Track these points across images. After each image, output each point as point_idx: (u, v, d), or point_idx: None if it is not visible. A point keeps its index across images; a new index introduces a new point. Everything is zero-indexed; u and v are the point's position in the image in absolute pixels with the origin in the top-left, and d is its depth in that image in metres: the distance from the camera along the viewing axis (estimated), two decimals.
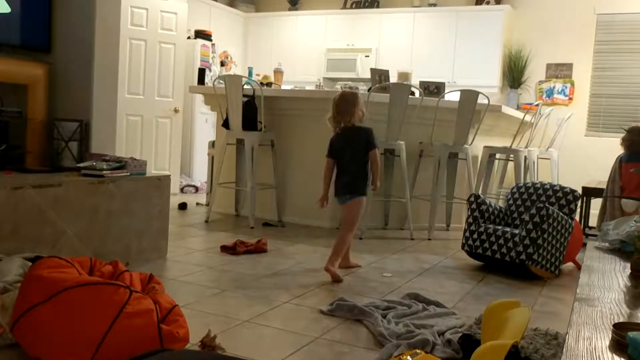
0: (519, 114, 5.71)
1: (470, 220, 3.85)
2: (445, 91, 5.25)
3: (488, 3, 7.51)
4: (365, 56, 7.96)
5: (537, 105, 5.66)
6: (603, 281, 1.76)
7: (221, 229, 4.69)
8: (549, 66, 7.32)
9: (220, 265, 3.50)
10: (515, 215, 3.94)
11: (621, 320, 1.38)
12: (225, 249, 3.88)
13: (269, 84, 6.01)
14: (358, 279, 3.37)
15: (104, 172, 3.20)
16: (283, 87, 6.51)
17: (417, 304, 2.83)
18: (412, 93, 4.96)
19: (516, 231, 3.59)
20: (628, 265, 1.94)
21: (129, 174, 3.36)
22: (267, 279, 3.24)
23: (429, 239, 4.74)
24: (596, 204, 5.09)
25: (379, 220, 5.19)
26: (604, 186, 4.93)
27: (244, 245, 3.92)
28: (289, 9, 8.72)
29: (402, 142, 4.73)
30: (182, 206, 5.62)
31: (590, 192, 5.10)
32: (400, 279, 3.41)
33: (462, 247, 3.89)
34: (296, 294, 2.98)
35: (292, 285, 3.14)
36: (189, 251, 3.85)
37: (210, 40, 7.52)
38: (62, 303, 1.93)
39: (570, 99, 7.18)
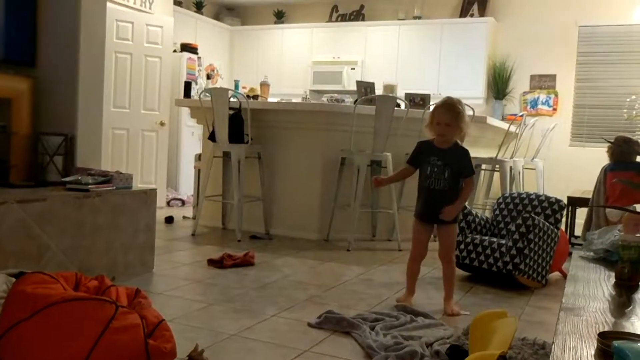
0: (504, 125, 5.76)
1: (457, 230, 3.86)
2: (431, 103, 5.28)
3: (472, 15, 7.59)
4: (351, 68, 8.01)
5: (522, 115, 5.72)
6: (588, 290, 1.78)
7: (208, 243, 4.66)
8: (532, 77, 7.40)
9: (207, 279, 3.48)
10: (502, 225, 3.96)
11: (606, 329, 1.39)
12: (212, 262, 3.86)
13: (255, 97, 6.02)
14: (346, 292, 3.37)
15: (90, 186, 3.18)
16: (269, 99, 6.52)
17: (405, 315, 2.83)
18: (398, 105, 4.99)
19: (503, 241, 3.61)
20: (612, 274, 1.96)
21: (114, 188, 3.34)
22: (255, 292, 3.22)
23: None
24: (581, 213, 5.13)
25: (366, 232, 5.19)
26: (588, 196, 4.98)
27: (231, 258, 3.90)
28: (275, 22, 8.76)
29: (388, 154, 4.75)
30: (169, 220, 5.59)
31: (575, 202, 5.14)
32: (388, 291, 3.41)
33: None
34: (284, 307, 2.97)
35: (279, 298, 3.13)
36: (175, 265, 3.82)
37: (197, 53, 7.52)
38: (47, 319, 1.91)
39: (554, 109, 7.27)
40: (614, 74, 6.99)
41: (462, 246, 3.78)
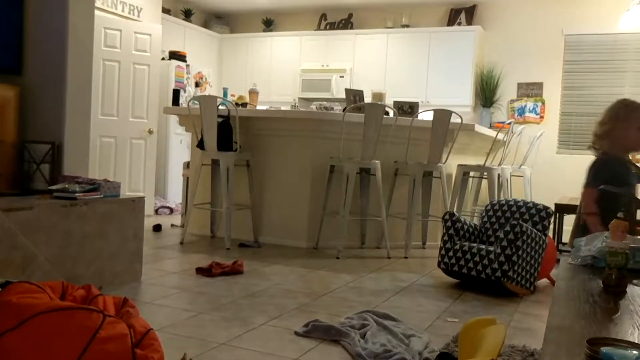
0: (492, 133, 5.80)
1: (446, 238, 3.88)
2: (419, 110, 5.31)
3: (460, 24, 7.65)
4: (340, 76, 8.03)
5: (509, 123, 5.75)
6: (576, 297, 1.78)
7: (196, 251, 4.64)
8: (520, 85, 7.47)
9: (195, 288, 3.46)
10: (490, 232, 3.98)
11: (594, 335, 1.40)
12: (200, 270, 3.84)
13: (244, 105, 6.01)
14: (336, 300, 3.36)
15: (77, 194, 3.15)
16: (258, 107, 6.52)
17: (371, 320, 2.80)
18: (387, 113, 5.01)
19: (491, 248, 3.62)
20: (600, 280, 1.97)
21: (102, 196, 3.32)
22: (244, 301, 3.21)
23: (406, 257, 4.76)
24: (569, 220, 5.16)
25: (355, 239, 5.19)
26: (575, 203, 5.00)
27: (220, 266, 3.88)
28: (264, 30, 8.78)
29: (377, 162, 4.76)
30: (157, 228, 5.56)
31: (562, 209, 5.18)
32: (377, 298, 3.40)
33: (438, 265, 3.91)
34: (273, 315, 2.96)
35: (269, 306, 3.12)
36: (164, 274, 3.80)
37: (185, 61, 7.51)
38: (33, 329, 1.89)
39: (542, 117, 7.33)
40: (600, 82, 7.07)
41: (450, 253, 3.79)
